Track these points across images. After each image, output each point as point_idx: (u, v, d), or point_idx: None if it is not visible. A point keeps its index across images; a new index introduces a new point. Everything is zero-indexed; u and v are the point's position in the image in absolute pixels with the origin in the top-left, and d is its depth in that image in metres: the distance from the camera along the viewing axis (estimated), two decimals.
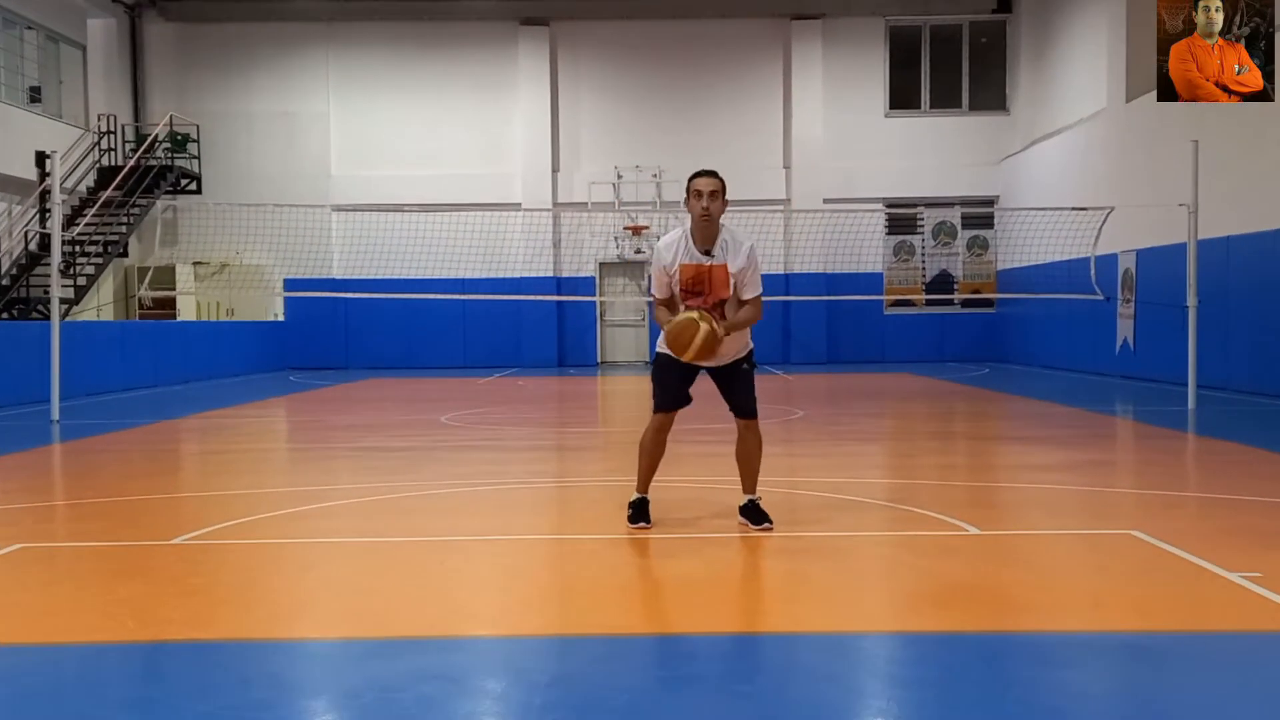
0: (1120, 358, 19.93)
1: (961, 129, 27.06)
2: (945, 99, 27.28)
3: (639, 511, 6.43)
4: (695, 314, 6.02)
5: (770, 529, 6.26)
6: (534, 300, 25.07)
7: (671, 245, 6.23)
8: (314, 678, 4.12)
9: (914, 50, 27.22)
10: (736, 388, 6.39)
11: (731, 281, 6.19)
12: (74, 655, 4.28)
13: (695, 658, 4.27)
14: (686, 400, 6.43)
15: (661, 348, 6.33)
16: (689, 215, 6.22)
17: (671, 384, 6.35)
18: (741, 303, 6.26)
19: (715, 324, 6.00)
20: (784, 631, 4.60)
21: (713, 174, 6.23)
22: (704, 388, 6.48)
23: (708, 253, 6.18)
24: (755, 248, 6.30)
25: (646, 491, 6.49)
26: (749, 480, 6.49)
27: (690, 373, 6.36)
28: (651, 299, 6.50)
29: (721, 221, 6.21)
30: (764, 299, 6.35)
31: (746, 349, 6.42)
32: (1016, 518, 7.23)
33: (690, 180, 6.22)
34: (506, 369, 25.65)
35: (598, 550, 6.02)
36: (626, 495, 6.64)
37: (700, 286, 6.19)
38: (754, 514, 6.38)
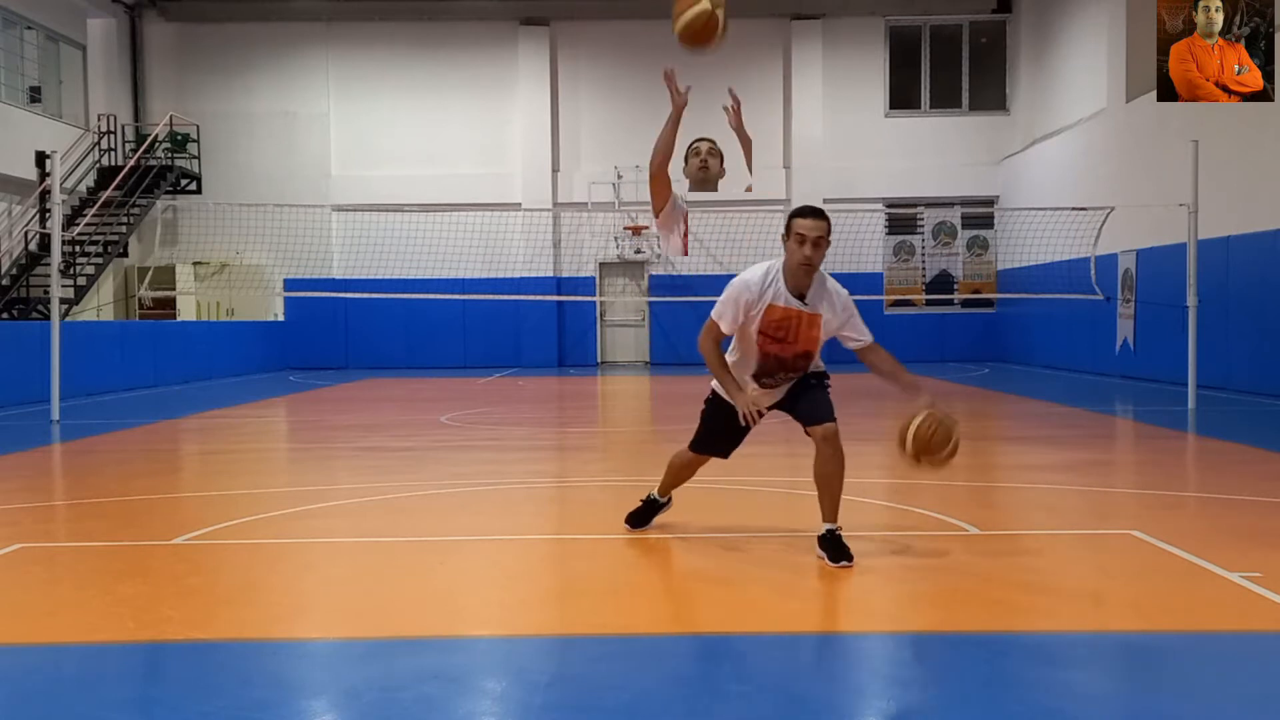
0: (1120, 358, 19.93)
1: (961, 129, 27.05)
2: (945, 99, 27.28)
3: (647, 513, 6.24)
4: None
5: (849, 566, 5.39)
6: (534, 300, 25.07)
7: (764, 279, 5.53)
8: (314, 678, 4.12)
9: (914, 50, 27.21)
10: (806, 396, 5.68)
11: (821, 333, 5.56)
12: (74, 655, 4.28)
13: (695, 658, 4.27)
14: (724, 454, 5.93)
15: (716, 387, 5.79)
16: (785, 254, 5.54)
17: (716, 433, 5.88)
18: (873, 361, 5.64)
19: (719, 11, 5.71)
20: (784, 631, 4.60)
21: (820, 215, 5.47)
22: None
23: (801, 297, 5.53)
24: (850, 298, 5.67)
25: (664, 496, 6.24)
26: (829, 505, 5.57)
27: (740, 434, 5.83)
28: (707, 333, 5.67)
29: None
30: None
31: (816, 368, 5.77)
32: (1016, 518, 7.23)
33: (793, 218, 5.48)
34: (506, 369, 25.65)
35: (598, 550, 6.01)
36: (627, 495, 6.63)
37: (785, 334, 5.53)
38: (834, 547, 5.49)
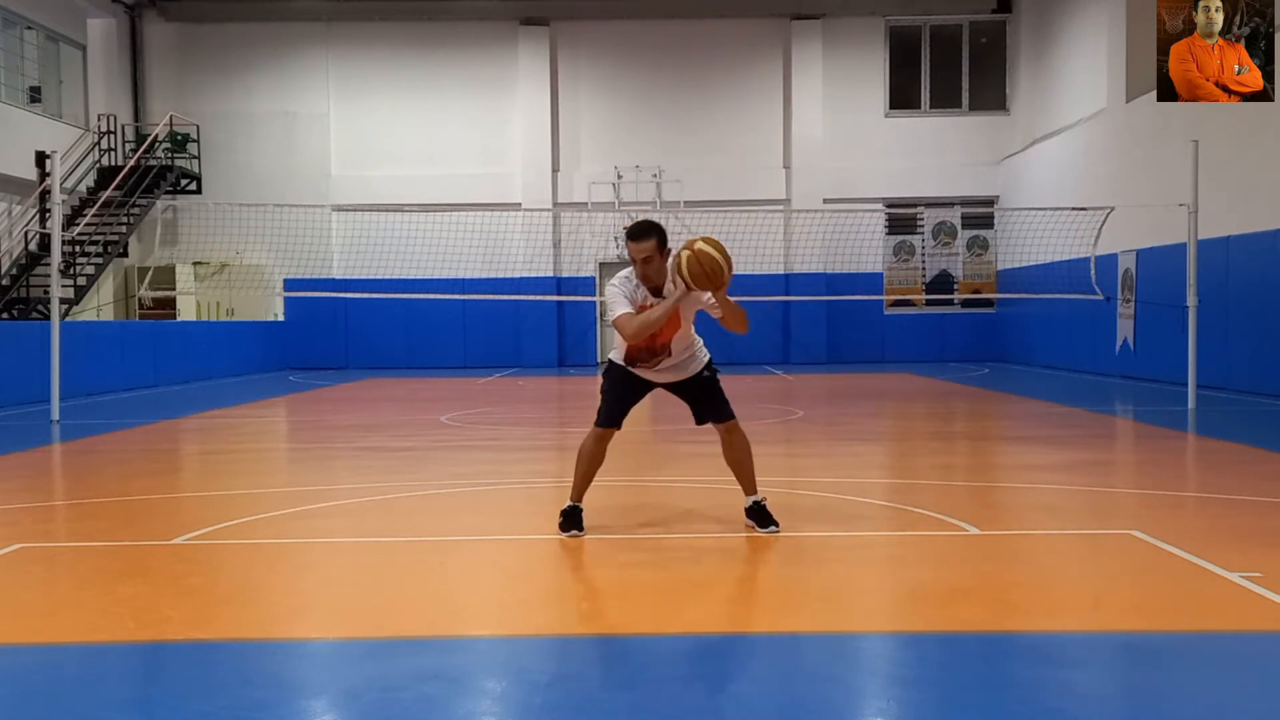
0: (1120, 358, 19.93)
1: (961, 129, 27.05)
2: (945, 99, 27.27)
3: (571, 519, 6.24)
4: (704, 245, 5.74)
5: (778, 531, 6.21)
6: (534, 300, 25.07)
7: (627, 280, 6.04)
8: (314, 678, 4.12)
9: (914, 50, 27.21)
10: (704, 398, 6.28)
11: (694, 311, 6.06)
12: (74, 655, 4.28)
13: (696, 658, 4.27)
14: (620, 421, 6.29)
15: (614, 357, 6.28)
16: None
17: (620, 399, 6.25)
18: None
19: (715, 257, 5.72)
20: (784, 632, 4.60)
21: (645, 234, 5.92)
22: (675, 400, 6.43)
23: (657, 293, 6.03)
24: None
25: (580, 500, 6.32)
26: (746, 482, 6.37)
27: (640, 390, 6.28)
28: (614, 322, 6.06)
29: (668, 264, 5.99)
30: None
31: (703, 361, 6.29)
32: (1016, 518, 7.22)
33: (626, 239, 6.01)
34: (506, 369, 25.65)
35: (598, 550, 6.01)
36: (627, 496, 6.65)
37: None
38: (760, 516, 6.28)
